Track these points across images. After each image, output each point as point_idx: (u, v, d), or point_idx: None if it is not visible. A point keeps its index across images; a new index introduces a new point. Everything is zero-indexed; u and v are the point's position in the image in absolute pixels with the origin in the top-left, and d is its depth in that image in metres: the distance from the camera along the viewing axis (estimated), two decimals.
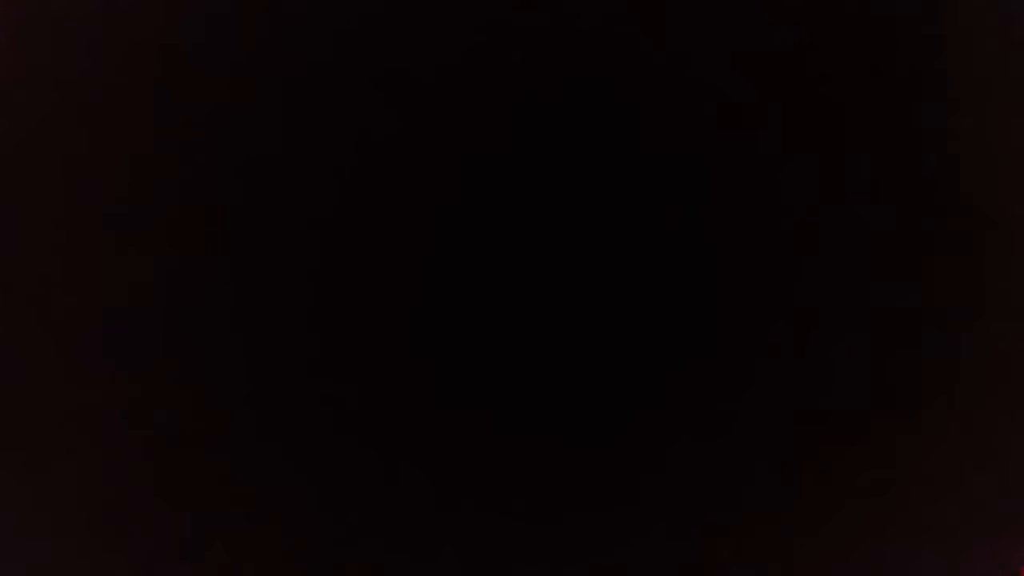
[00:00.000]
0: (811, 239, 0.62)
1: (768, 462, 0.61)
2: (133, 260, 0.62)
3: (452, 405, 0.61)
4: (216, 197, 0.62)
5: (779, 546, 0.61)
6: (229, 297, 0.62)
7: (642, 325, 0.61)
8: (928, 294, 0.62)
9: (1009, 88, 0.64)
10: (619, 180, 0.62)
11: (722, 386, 0.61)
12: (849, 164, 0.63)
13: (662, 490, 0.61)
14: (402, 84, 0.63)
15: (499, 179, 0.62)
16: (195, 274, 0.62)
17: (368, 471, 0.61)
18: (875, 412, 0.61)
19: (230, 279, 0.62)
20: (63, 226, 0.62)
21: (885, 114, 0.63)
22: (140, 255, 0.62)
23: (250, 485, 0.61)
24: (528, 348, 0.61)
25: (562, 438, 0.61)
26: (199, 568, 0.61)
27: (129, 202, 0.63)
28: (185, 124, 0.63)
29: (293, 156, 0.63)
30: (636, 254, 0.62)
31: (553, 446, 0.61)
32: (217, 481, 0.61)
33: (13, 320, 0.62)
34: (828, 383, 0.61)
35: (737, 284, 0.62)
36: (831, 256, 0.62)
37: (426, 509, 0.61)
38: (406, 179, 0.62)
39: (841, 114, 0.63)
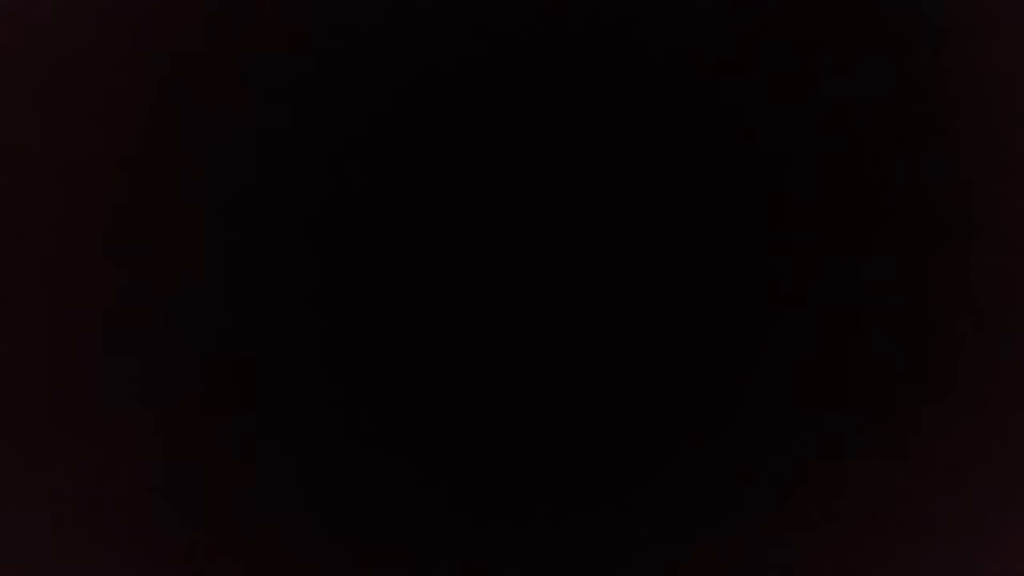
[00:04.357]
0: (810, 239, 0.62)
1: (767, 462, 0.61)
2: (133, 260, 0.62)
3: (452, 406, 0.61)
4: (217, 198, 0.62)
5: (779, 546, 0.61)
6: (231, 297, 0.62)
7: (639, 327, 0.61)
8: (928, 294, 0.62)
9: (1009, 88, 0.64)
10: (618, 181, 0.62)
11: (721, 387, 0.61)
12: (849, 164, 0.63)
13: (662, 490, 0.61)
14: (402, 85, 0.63)
15: (499, 180, 0.62)
16: (196, 274, 0.62)
17: (368, 472, 0.61)
18: (875, 412, 0.61)
19: (231, 279, 0.62)
20: (64, 226, 0.62)
21: (886, 114, 0.63)
22: (140, 255, 0.62)
23: (250, 485, 0.61)
24: (528, 349, 0.61)
25: (561, 438, 0.61)
26: (200, 569, 0.61)
27: (129, 202, 0.63)
28: (186, 124, 0.63)
29: (293, 156, 0.63)
30: (634, 254, 0.62)
31: (553, 446, 0.61)
32: (218, 482, 0.61)
33: (13, 320, 0.62)
34: (828, 383, 0.61)
35: (736, 284, 0.62)
36: (830, 256, 0.62)
37: (426, 509, 0.61)
38: (407, 180, 0.62)
39: (841, 114, 0.63)
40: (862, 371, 0.61)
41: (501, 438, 0.61)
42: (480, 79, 0.63)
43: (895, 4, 0.64)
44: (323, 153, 0.63)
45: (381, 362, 0.61)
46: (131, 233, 0.62)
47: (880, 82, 0.63)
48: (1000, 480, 0.61)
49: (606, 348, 0.61)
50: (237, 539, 0.60)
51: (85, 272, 0.62)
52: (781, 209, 0.62)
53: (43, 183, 0.63)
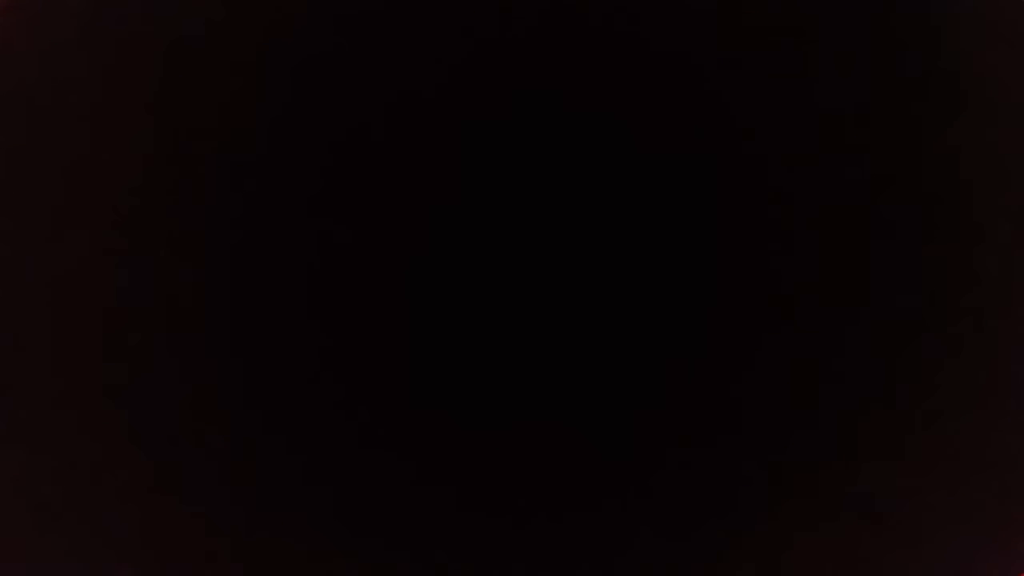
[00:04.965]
0: (809, 240, 0.62)
1: (766, 463, 0.61)
2: (133, 260, 0.62)
3: (452, 406, 0.61)
4: (216, 196, 0.62)
5: (778, 547, 0.61)
6: (231, 297, 0.62)
7: (639, 327, 0.61)
8: (928, 294, 0.62)
9: (1010, 88, 0.64)
10: (616, 181, 0.62)
11: (721, 387, 0.61)
12: (849, 163, 0.63)
13: (662, 490, 0.61)
14: (403, 85, 0.63)
15: (499, 180, 0.62)
16: (196, 274, 0.62)
17: (367, 471, 0.61)
18: (873, 413, 0.61)
19: (232, 279, 0.62)
20: (63, 227, 0.62)
21: (886, 114, 0.63)
22: (140, 255, 0.62)
23: (250, 486, 0.61)
24: (527, 348, 0.61)
25: (560, 439, 0.61)
26: (199, 569, 0.61)
27: (129, 202, 0.63)
28: (185, 122, 0.63)
29: (293, 156, 0.63)
30: (633, 255, 0.62)
31: (552, 447, 0.61)
32: (217, 482, 0.61)
33: (13, 320, 0.62)
34: (827, 384, 0.61)
35: (734, 285, 0.62)
36: (829, 257, 0.62)
37: (425, 509, 0.61)
38: (407, 179, 0.62)
39: (841, 114, 0.63)
40: (862, 371, 0.61)
41: (501, 438, 0.61)
42: (479, 79, 0.63)
43: (896, 4, 0.64)
44: (323, 153, 0.63)
45: (381, 362, 0.61)
46: (131, 233, 0.62)
47: (880, 82, 0.63)
48: (1000, 480, 0.61)
49: (606, 348, 0.61)
50: (237, 539, 0.60)
51: (85, 272, 0.62)
52: (780, 209, 0.62)
53: (43, 183, 0.63)
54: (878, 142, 0.63)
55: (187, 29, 0.64)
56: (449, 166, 0.62)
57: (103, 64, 0.63)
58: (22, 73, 0.64)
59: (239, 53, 0.63)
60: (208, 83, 0.63)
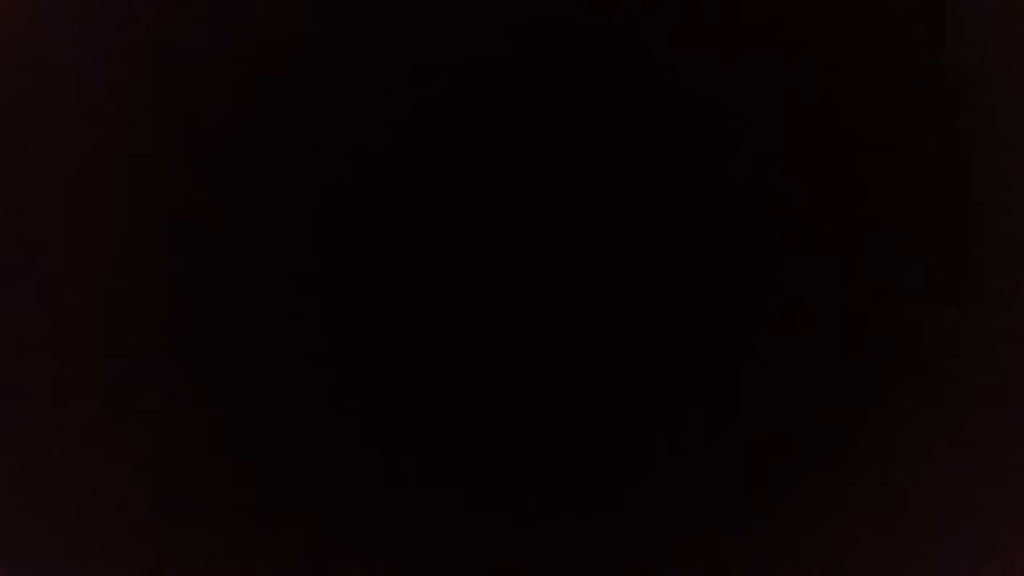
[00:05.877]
0: (809, 240, 0.62)
1: (767, 464, 0.61)
2: (132, 260, 0.62)
3: (450, 405, 0.61)
4: (215, 198, 0.62)
5: (779, 546, 0.61)
6: (231, 298, 0.62)
7: (641, 327, 0.61)
8: (928, 294, 0.62)
9: (1010, 88, 0.64)
10: (617, 182, 0.62)
11: (720, 389, 0.61)
12: (848, 164, 0.63)
13: (660, 492, 0.61)
14: (402, 84, 0.63)
15: (498, 179, 0.62)
16: (196, 275, 0.62)
17: (366, 471, 0.61)
18: (874, 413, 0.61)
19: (230, 278, 0.62)
20: (63, 227, 0.62)
21: (885, 113, 0.63)
22: (140, 255, 0.62)
23: (249, 486, 0.61)
24: (528, 349, 0.61)
25: (561, 440, 0.61)
26: (199, 569, 0.61)
27: (129, 202, 0.63)
28: (185, 123, 0.63)
29: (292, 157, 0.63)
30: (634, 256, 0.62)
31: (552, 447, 0.61)
32: (218, 482, 0.61)
33: (12, 322, 0.62)
34: (827, 384, 0.61)
35: (735, 285, 0.62)
36: (829, 257, 0.62)
37: (424, 510, 0.61)
38: (408, 180, 0.62)
39: (840, 113, 0.63)
40: (862, 371, 0.61)
41: (503, 440, 0.61)
42: (479, 81, 0.63)
43: (896, 3, 0.64)
44: (322, 155, 0.63)
45: (380, 363, 0.61)
46: (131, 233, 0.62)
47: (881, 81, 0.63)
48: (1000, 480, 0.61)
49: (607, 350, 0.61)
50: (237, 539, 0.60)
51: (84, 273, 0.62)
52: (780, 210, 0.62)
53: (43, 183, 0.63)
54: (878, 142, 0.63)
55: (188, 29, 0.64)
56: (450, 169, 0.62)
57: (104, 66, 0.63)
58: (22, 73, 0.64)
59: (240, 56, 0.63)
60: (209, 85, 0.63)
